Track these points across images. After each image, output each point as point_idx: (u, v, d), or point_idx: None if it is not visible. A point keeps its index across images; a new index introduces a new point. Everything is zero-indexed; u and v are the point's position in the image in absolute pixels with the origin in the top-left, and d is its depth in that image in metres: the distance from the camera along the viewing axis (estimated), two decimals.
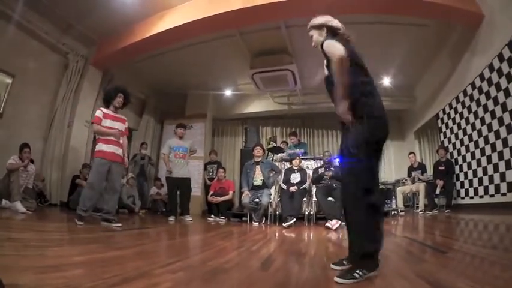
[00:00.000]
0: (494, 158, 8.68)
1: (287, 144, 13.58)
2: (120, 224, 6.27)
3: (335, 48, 2.92)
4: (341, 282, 2.38)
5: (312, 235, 6.76)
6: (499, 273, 2.57)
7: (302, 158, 10.35)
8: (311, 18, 8.93)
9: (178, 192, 9.66)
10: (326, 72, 3.28)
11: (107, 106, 6.89)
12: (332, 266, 2.87)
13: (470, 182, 9.94)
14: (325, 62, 3.29)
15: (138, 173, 12.70)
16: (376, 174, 2.86)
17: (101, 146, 6.51)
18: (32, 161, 8.58)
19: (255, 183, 9.45)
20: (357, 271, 2.45)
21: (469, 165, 10.00)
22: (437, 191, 10.53)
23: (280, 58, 11.66)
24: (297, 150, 11.58)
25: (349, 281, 2.39)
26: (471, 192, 9.89)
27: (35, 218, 6.77)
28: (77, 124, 10.98)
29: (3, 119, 9.19)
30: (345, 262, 2.79)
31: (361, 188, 2.66)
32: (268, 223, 9.11)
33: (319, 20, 3.46)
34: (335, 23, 3.39)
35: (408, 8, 8.72)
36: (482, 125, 9.18)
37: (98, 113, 6.65)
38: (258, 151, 9.75)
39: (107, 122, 6.63)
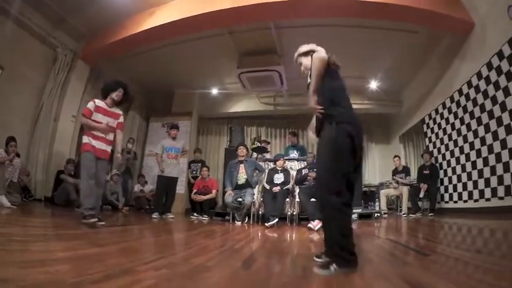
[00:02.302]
0: (479, 163, 8.77)
1: (269, 143, 13.65)
2: (103, 223, 6.09)
3: (319, 53, 3.28)
4: (318, 273, 2.69)
5: (294, 235, 6.76)
6: (482, 276, 2.57)
7: (287, 159, 10.37)
8: (300, 19, 9.00)
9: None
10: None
11: (104, 98, 6.60)
12: (315, 258, 2.96)
13: (455, 186, 10.01)
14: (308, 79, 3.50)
15: (123, 170, 12.64)
16: (343, 176, 2.95)
17: (90, 141, 6.23)
18: (17, 155, 8.40)
19: (238, 182, 9.45)
20: (333, 265, 2.67)
21: (454, 170, 10.08)
22: (421, 195, 10.63)
23: (268, 59, 11.64)
24: (295, 153, 11.67)
25: (325, 272, 2.67)
26: (455, 197, 9.97)
27: (19, 213, 6.71)
28: (63, 119, 10.85)
29: None
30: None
31: (327, 190, 2.90)
32: (251, 223, 9.12)
33: (306, 47, 3.63)
34: (321, 50, 3.42)
35: (398, 14, 8.79)
36: (468, 131, 9.28)
37: (90, 105, 6.35)
38: (241, 150, 9.76)
39: (98, 116, 6.34)
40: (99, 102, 6.47)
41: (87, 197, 5.99)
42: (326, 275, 2.64)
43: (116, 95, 6.54)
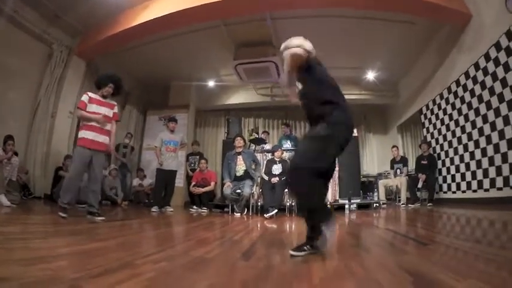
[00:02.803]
0: (478, 154, 8.82)
1: (268, 133, 13.73)
2: (103, 218, 6.14)
3: (295, 49, 3.36)
4: (294, 254, 3.04)
5: (293, 226, 6.77)
6: (481, 266, 2.57)
7: (284, 150, 10.36)
8: (296, 10, 8.94)
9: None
10: (299, 86, 3.67)
11: (97, 90, 6.66)
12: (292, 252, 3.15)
13: (453, 177, 10.07)
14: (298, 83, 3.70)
15: (120, 164, 12.65)
16: (323, 167, 3.18)
17: (84, 133, 6.25)
18: (15, 153, 8.39)
19: (237, 174, 9.45)
20: (306, 246, 3.12)
21: (452, 161, 10.12)
22: (420, 185, 10.66)
23: (265, 50, 11.59)
24: (288, 144, 11.67)
25: (300, 253, 3.05)
26: (453, 187, 10.02)
27: (19, 211, 6.72)
28: (61, 115, 10.83)
29: None
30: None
31: (308, 173, 3.07)
32: (250, 214, 9.16)
33: (294, 42, 3.56)
34: (307, 45, 3.51)
35: (396, 4, 8.77)
36: (465, 121, 9.33)
37: (84, 98, 6.38)
38: (238, 142, 9.76)
39: (92, 107, 6.36)
40: (92, 94, 6.51)
41: (65, 192, 6.04)
42: (302, 255, 3.04)
43: (105, 91, 6.59)
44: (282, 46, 3.64)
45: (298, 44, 3.48)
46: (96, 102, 6.46)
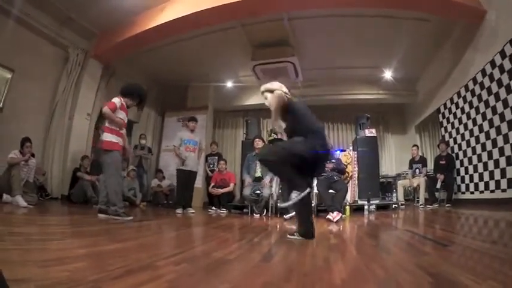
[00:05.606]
0: (495, 153, 8.72)
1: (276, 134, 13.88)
2: (131, 217, 6.26)
3: (276, 93, 4.61)
4: (288, 237, 4.14)
5: None
6: (499, 267, 2.58)
7: None
8: (312, 10, 8.99)
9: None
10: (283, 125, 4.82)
11: (121, 96, 6.74)
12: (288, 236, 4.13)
13: (471, 177, 9.98)
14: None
15: (136, 164, 12.71)
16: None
17: (115, 138, 6.38)
18: (32, 155, 8.53)
19: (256, 175, 9.53)
20: (295, 233, 4.22)
21: (470, 160, 10.04)
22: (438, 185, 10.57)
23: (282, 50, 11.64)
24: None
25: (291, 237, 4.20)
26: (471, 187, 9.94)
27: (36, 212, 6.74)
28: (78, 117, 10.95)
29: (3, 113, 9.19)
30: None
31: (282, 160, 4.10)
32: (269, 215, 9.17)
33: (274, 85, 4.77)
34: (285, 89, 4.71)
35: (411, 2, 8.72)
36: (483, 120, 9.22)
37: (117, 101, 6.48)
38: (257, 143, 9.85)
39: (122, 114, 6.54)
40: (122, 100, 6.65)
41: (117, 196, 6.16)
42: (292, 239, 4.08)
43: (130, 103, 6.80)
44: (262, 88, 4.92)
45: (276, 88, 4.69)
46: (124, 109, 6.64)
